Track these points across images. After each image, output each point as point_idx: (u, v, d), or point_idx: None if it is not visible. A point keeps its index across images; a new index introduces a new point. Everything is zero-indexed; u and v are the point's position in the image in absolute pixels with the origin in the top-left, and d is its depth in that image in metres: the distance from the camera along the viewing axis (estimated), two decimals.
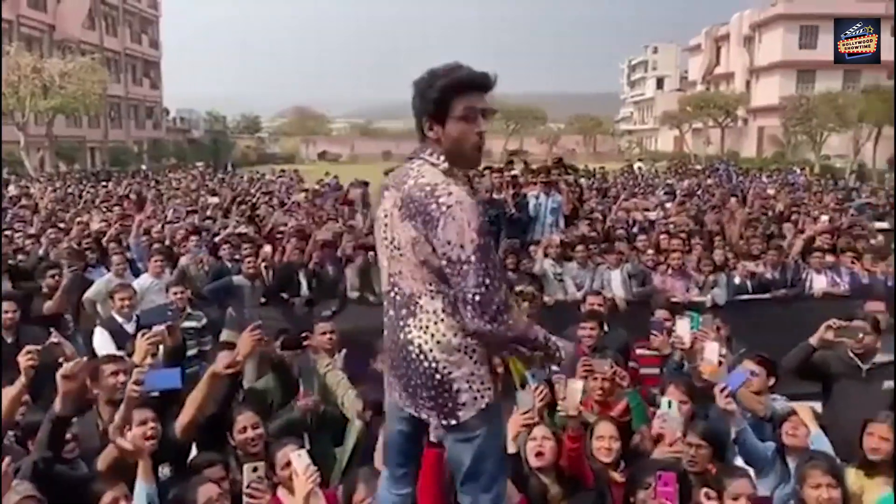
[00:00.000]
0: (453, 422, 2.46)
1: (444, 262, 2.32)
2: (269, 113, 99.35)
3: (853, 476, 3.51)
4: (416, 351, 2.46)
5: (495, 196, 8.99)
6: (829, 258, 8.26)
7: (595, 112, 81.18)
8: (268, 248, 8.10)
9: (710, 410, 4.14)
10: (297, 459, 3.11)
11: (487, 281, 2.28)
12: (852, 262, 8.23)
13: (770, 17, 50.85)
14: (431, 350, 2.43)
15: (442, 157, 2.42)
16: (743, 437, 3.69)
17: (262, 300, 7.45)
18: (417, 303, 2.45)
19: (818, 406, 4.61)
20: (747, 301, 7.83)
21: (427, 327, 2.44)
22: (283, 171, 29.58)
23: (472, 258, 2.27)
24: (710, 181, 22.18)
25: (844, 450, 3.78)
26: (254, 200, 14.46)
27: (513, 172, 10.55)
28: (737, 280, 8.03)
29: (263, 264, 7.65)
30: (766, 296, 7.94)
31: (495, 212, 8.50)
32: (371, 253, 8.47)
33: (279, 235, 9.57)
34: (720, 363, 4.02)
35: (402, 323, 2.51)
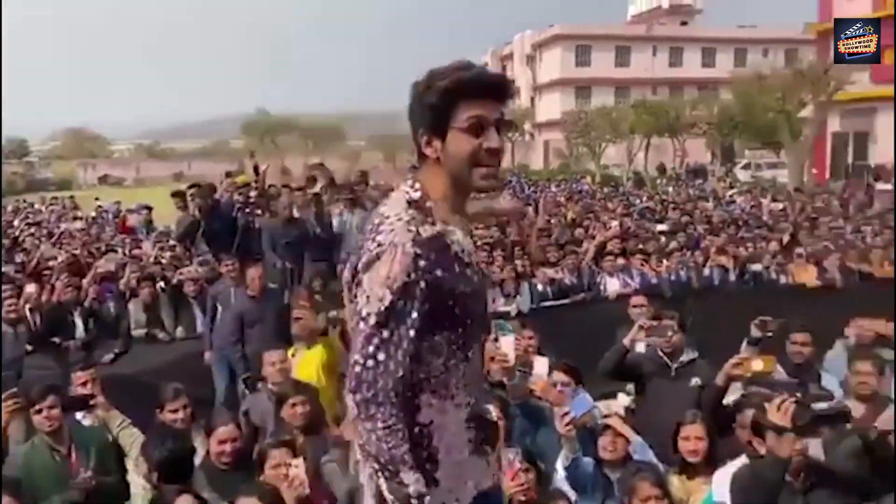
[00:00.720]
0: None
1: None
2: (39, 136, 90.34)
3: (676, 482, 3.56)
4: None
5: (296, 216, 8.60)
6: (621, 261, 8.73)
7: (398, 130, 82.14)
8: (31, 288, 7.11)
9: (513, 426, 4.09)
10: None
11: (381, 357, 1.73)
12: (641, 264, 8.75)
13: (549, 37, 54.43)
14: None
15: (416, 186, 1.90)
16: (577, 463, 3.63)
17: (29, 347, 6.54)
18: None
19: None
20: (549, 307, 8.09)
21: None
22: (55, 198, 26.70)
23: (371, 319, 1.74)
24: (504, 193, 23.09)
25: (661, 449, 3.85)
26: (16, 233, 12.78)
27: (314, 190, 10.14)
28: (539, 287, 8.25)
29: (27, 306, 6.71)
30: (566, 301, 8.24)
31: (297, 232, 8.22)
32: (160, 285, 7.75)
33: (47, 271, 8.46)
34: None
35: None
